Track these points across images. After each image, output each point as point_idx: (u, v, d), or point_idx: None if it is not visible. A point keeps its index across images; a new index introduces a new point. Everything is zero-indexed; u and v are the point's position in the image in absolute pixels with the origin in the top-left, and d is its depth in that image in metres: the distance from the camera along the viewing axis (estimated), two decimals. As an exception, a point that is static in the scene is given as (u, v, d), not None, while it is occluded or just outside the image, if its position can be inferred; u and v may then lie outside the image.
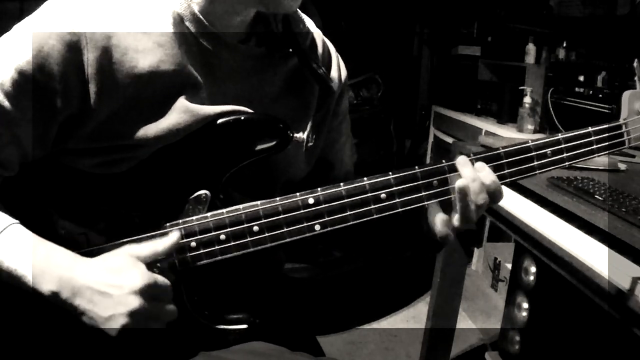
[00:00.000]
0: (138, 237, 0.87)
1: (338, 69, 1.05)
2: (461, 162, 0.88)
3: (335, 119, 1.06)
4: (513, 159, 0.89)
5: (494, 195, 0.88)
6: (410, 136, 4.40)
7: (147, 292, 0.79)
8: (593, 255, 1.20)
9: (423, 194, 0.88)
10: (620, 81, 2.32)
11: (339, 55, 1.07)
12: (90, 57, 0.81)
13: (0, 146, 0.83)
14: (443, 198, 0.89)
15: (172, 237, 0.85)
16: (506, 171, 0.89)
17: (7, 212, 0.84)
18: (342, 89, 1.07)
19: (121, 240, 0.87)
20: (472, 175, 0.87)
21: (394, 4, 4.22)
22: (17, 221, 0.83)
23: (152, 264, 0.84)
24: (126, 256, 0.82)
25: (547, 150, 0.90)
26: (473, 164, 0.88)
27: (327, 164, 1.09)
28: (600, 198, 1.31)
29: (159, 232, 0.87)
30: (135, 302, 0.78)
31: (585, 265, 1.20)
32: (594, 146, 0.91)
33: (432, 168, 0.89)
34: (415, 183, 0.88)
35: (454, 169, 0.88)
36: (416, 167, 0.88)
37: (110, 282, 0.78)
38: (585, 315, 1.65)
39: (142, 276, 0.79)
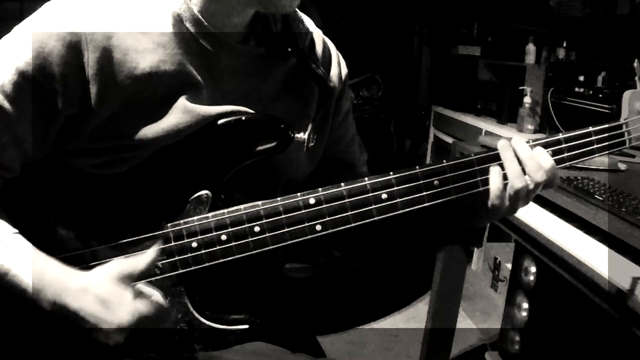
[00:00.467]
0: (136, 238, 0.87)
1: (338, 68, 1.05)
2: (516, 140, 0.88)
3: (336, 118, 1.06)
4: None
5: (551, 180, 0.88)
6: (410, 136, 4.40)
7: (136, 323, 0.80)
8: (593, 255, 1.20)
9: (424, 194, 0.88)
10: (621, 81, 2.32)
11: (339, 54, 1.07)
12: (90, 58, 0.81)
13: (1, 148, 0.83)
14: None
15: (151, 252, 0.84)
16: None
17: (7, 218, 0.84)
18: (343, 88, 1.06)
19: (118, 242, 0.87)
20: (528, 153, 0.87)
21: (394, 4, 4.22)
22: (17, 231, 0.84)
23: (151, 267, 0.85)
24: (113, 282, 0.81)
25: (547, 150, 0.90)
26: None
27: (341, 164, 1.09)
28: (600, 198, 1.31)
29: (157, 233, 0.87)
30: (120, 337, 0.80)
31: (585, 265, 1.20)
32: (595, 146, 0.91)
33: (431, 168, 0.89)
34: (416, 183, 0.88)
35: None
36: (417, 167, 0.88)
37: (99, 316, 0.79)
38: (585, 315, 1.65)
39: (128, 313, 0.80)
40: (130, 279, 0.82)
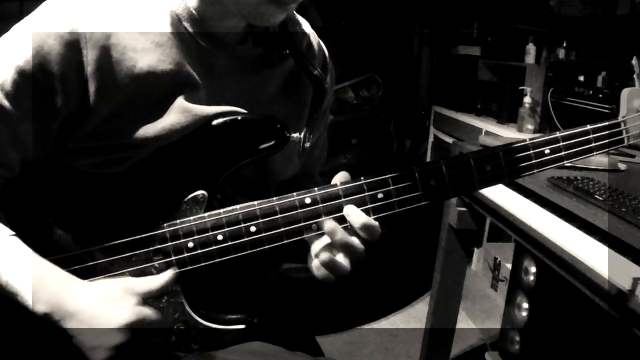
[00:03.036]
0: (133, 237, 0.86)
1: (331, 73, 1.07)
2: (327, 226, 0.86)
3: (322, 121, 1.07)
4: (511, 157, 0.89)
5: (370, 234, 0.86)
6: (410, 136, 4.41)
7: (134, 327, 0.78)
8: (593, 255, 1.19)
9: (420, 192, 0.88)
10: (620, 81, 2.32)
11: (329, 58, 1.08)
12: (89, 56, 0.81)
13: (1, 146, 0.82)
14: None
15: (167, 274, 0.85)
16: (504, 170, 0.89)
17: (5, 220, 0.84)
18: (330, 90, 1.07)
19: (116, 242, 0.86)
20: (332, 228, 0.85)
21: (394, 4, 4.22)
22: (14, 233, 0.83)
23: (149, 266, 0.84)
24: (119, 287, 0.81)
25: (545, 148, 0.89)
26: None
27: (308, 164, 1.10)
28: (600, 198, 1.31)
29: (154, 233, 0.87)
30: (120, 337, 0.78)
31: (585, 265, 1.20)
32: (593, 144, 0.90)
33: (428, 167, 0.88)
34: (413, 182, 0.88)
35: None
36: (414, 167, 0.88)
37: (99, 313, 0.78)
38: (585, 315, 1.65)
39: (131, 311, 0.79)
40: (133, 292, 0.81)
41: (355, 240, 0.85)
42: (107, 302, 0.79)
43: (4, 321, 0.85)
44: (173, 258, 0.87)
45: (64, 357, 0.82)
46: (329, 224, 0.85)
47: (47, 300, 0.79)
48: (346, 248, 0.86)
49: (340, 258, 0.86)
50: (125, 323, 0.78)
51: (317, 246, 0.87)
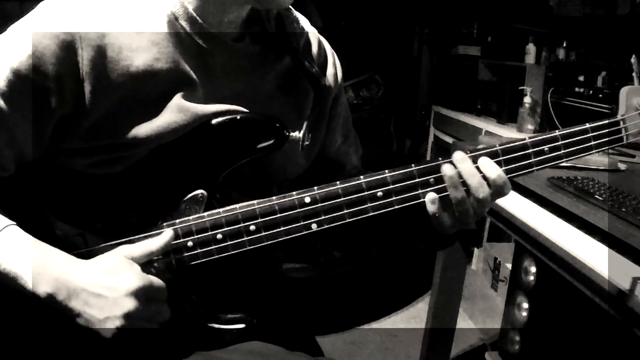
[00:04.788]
0: (132, 237, 0.87)
1: (334, 69, 1.05)
2: (458, 158, 0.87)
3: (332, 120, 1.06)
4: (510, 156, 0.89)
5: (501, 189, 0.87)
6: (410, 136, 4.40)
7: (142, 293, 0.79)
8: (593, 255, 1.19)
9: (420, 191, 0.88)
10: (620, 81, 2.32)
11: (335, 55, 1.07)
12: (84, 57, 0.81)
13: None
14: (441, 195, 0.88)
15: (166, 235, 0.85)
16: (503, 168, 0.89)
17: (4, 213, 0.84)
18: (339, 89, 1.06)
19: (115, 241, 0.86)
20: (471, 170, 0.86)
21: (394, 4, 4.22)
22: (14, 223, 0.83)
23: (148, 264, 0.84)
24: (121, 257, 0.82)
25: (544, 147, 0.89)
26: (474, 161, 0.87)
27: (335, 164, 1.10)
28: (600, 198, 1.31)
29: (153, 232, 0.87)
30: (129, 304, 0.78)
31: (585, 265, 1.20)
32: (592, 142, 0.90)
33: (428, 166, 0.88)
34: (412, 181, 0.88)
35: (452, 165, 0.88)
36: (412, 165, 0.88)
37: (105, 284, 0.79)
38: (585, 315, 1.64)
39: (137, 278, 0.80)
40: (138, 259, 0.82)
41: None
42: (112, 273, 0.80)
43: (7, 308, 0.85)
44: (172, 257, 0.87)
45: (70, 339, 0.83)
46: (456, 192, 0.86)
47: (50, 280, 0.79)
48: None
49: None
50: (133, 288, 0.78)
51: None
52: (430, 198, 0.87)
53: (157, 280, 0.82)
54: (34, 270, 0.79)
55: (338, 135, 1.09)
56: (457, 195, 0.87)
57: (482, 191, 0.86)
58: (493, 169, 0.87)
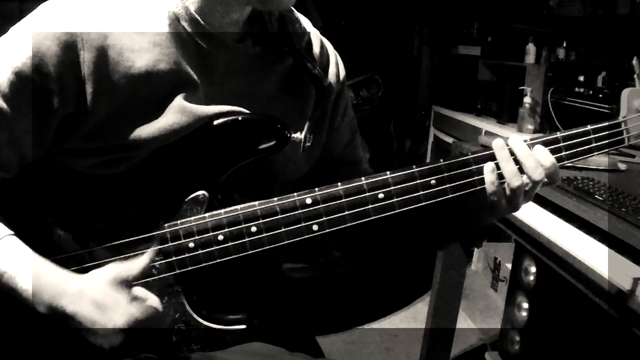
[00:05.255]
0: (127, 240, 0.87)
1: (336, 69, 1.05)
2: (513, 141, 0.89)
3: (335, 118, 1.06)
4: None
5: (553, 176, 0.88)
6: (410, 136, 4.40)
7: (130, 327, 0.80)
8: (593, 255, 1.19)
9: (421, 193, 0.88)
10: (620, 81, 2.32)
11: (337, 55, 1.07)
12: (86, 57, 0.81)
13: None
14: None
15: (144, 258, 0.84)
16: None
17: (4, 220, 0.84)
18: (342, 88, 1.06)
19: (108, 244, 0.87)
20: (526, 151, 0.87)
21: (394, 4, 4.22)
22: (12, 232, 0.83)
23: (149, 269, 0.84)
24: (108, 285, 0.81)
25: (546, 148, 0.89)
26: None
27: (343, 163, 1.09)
28: (600, 198, 1.31)
29: (145, 236, 0.87)
30: (116, 340, 0.80)
31: (585, 265, 1.20)
32: (593, 144, 0.90)
33: (429, 167, 0.88)
34: (413, 182, 0.88)
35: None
36: (414, 167, 0.88)
37: (93, 320, 0.79)
38: (585, 315, 1.65)
39: (123, 316, 0.79)
40: (126, 283, 0.82)
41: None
42: (101, 309, 0.79)
43: (9, 318, 0.86)
44: (174, 258, 0.87)
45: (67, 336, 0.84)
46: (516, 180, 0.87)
47: (43, 303, 0.80)
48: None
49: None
50: (121, 326, 0.79)
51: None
52: (490, 167, 0.88)
53: (144, 312, 0.81)
54: (28, 290, 0.80)
55: (344, 135, 1.09)
56: (511, 169, 0.87)
57: (539, 173, 0.87)
58: (547, 156, 0.88)
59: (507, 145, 0.88)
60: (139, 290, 0.83)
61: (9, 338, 0.87)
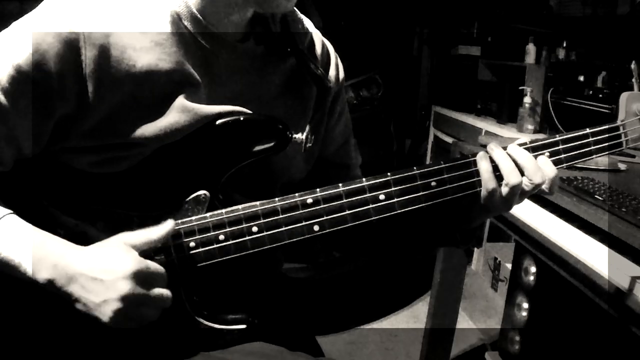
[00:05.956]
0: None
1: (336, 71, 1.05)
2: (513, 148, 0.89)
3: (331, 119, 1.06)
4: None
5: (553, 184, 0.89)
6: (410, 136, 4.40)
7: (139, 277, 0.78)
8: (593, 255, 1.19)
9: (421, 193, 0.88)
10: (620, 81, 2.32)
11: (337, 56, 1.07)
12: (88, 56, 0.81)
13: None
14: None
15: (167, 225, 0.84)
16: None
17: (4, 204, 0.84)
18: (339, 89, 1.07)
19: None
20: (527, 155, 0.88)
21: (394, 4, 4.22)
22: (12, 211, 0.83)
23: (148, 257, 0.84)
24: (119, 243, 0.81)
25: (545, 151, 0.90)
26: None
27: (335, 165, 1.09)
28: (600, 198, 1.31)
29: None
30: (126, 286, 0.77)
31: (585, 265, 1.20)
32: (592, 147, 0.91)
33: (429, 168, 0.88)
34: (414, 183, 0.88)
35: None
36: (415, 168, 0.88)
37: (102, 268, 0.78)
38: (585, 315, 1.65)
39: (134, 261, 0.79)
40: (135, 247, 0.81)
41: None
42: (109, 257, 0.79)
43: (8, 296, 0.85)
44: (175, 257, 0.87)
45: (71, 326, 0.83)
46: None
47: (49, 267, 0.79)
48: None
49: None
50: (130, 271, 0.77)
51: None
52: (487, 166, 0.88)
53: (155, 265, 0.81)
54: (33, 257, 0.79)
55: (337, 137, 1.09)
56: (509, 165, 0.87)
57: (541, 175, 0.87)
58: (550, 166, 0.89)
59: (501, 147, 0.89)
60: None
61: (11, 319, 0.86)
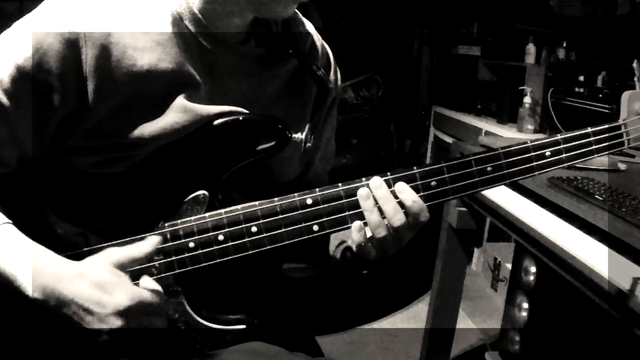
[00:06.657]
0: (125, 239, 0.86)
1: (335, 74, 1.06)
2: (375, 184, 0.85)
3: (327, 122, 1.07)
4: (512, 159, 0.89)
5: (417, 216, 0.85)
6: (410, 136, 4.41)
7: (132, 310, 0.78)
8: (593, 255, 1.19)
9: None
10: (620, 81, 2.32)
11: (335, 61, 1.08)
12: (88, 55, 0.81)
13: None
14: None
15: (151, 241, 0.84)
16: (505, 171, 0.89)
17: (3, 211, 0.84)
18: (337, 94, 1.07)
19: (103, 245, 0.86)
20: (386, 196, 0.85)
21: (394, 4, 4.22)
22: (10, 221, 0.83)
23: (148, 267, 0.84)
24: (109, 268, 0.80)
25: (546, 150, 0.89)
26: (391, 185, 0.86)
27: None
28: (600, 198, 1.31)
29: (138, 237, 0.86)
30: (117, 322, 0.77)
31: (585, 265, 1.20)
32: (593, 147, 0.91)
33: (429, 168, 0.88)
34: (414, 183, 0.87)
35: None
36: (414, 168, 0.88)
37: (94, 300, 0.78)
38: (585, 315, 1.65)
39: (126, 295, 0.78)
40: (127, 266, 0.81)
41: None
42: (101, 288, 0.78)
43: (4, 304, 0.85)
44: (174, 258, 0.87)
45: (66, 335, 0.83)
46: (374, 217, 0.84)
47: (40, 288, 0.79)
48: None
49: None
50: (121, 307, 0.77)
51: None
52: (357, 226, 0.85)
53: (148, 294, 0.80)
54: (27, 274, 0.79)
55: (326, 137, 1.09)
56: (374, 219, 0.85)
57: (398, 218, 0.84)
58: (410, 196, 0.85)
59: (370, 192, 0.85)
60: (143, 279, 0.83)
61: (7, 327, 0.86)
